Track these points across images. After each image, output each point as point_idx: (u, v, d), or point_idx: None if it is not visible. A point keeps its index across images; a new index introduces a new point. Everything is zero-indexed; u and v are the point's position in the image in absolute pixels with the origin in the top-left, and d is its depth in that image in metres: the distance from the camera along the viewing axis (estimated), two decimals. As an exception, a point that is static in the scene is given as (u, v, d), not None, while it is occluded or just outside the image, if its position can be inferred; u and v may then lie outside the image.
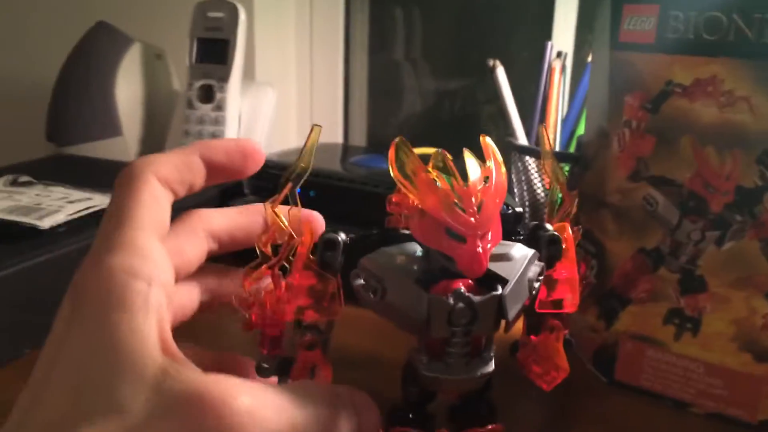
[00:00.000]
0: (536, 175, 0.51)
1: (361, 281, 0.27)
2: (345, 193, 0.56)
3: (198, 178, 0.27)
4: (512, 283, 0.26)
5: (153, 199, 0.25)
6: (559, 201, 0.31)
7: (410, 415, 0.29)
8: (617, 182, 0.39)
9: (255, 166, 0.28)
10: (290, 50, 1.14)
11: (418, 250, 0.27)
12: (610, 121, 0.39)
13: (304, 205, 0.28)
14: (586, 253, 0.43)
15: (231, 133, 0.76)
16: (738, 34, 0.34)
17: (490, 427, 0.27)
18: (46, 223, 0.45)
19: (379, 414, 0.26)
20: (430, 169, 0.25)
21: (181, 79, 0.84)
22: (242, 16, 0.75)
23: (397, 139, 0.25)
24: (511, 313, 0.26)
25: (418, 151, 0.26)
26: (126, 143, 0.80)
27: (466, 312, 0.25)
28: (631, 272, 0.39)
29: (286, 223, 0.27)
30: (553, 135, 0.57)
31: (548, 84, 0.58)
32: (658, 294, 0.39)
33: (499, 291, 0.25)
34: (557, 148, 0.57)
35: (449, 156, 0.25)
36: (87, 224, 0.48)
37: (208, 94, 0.75)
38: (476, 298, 0.25)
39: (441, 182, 0.24)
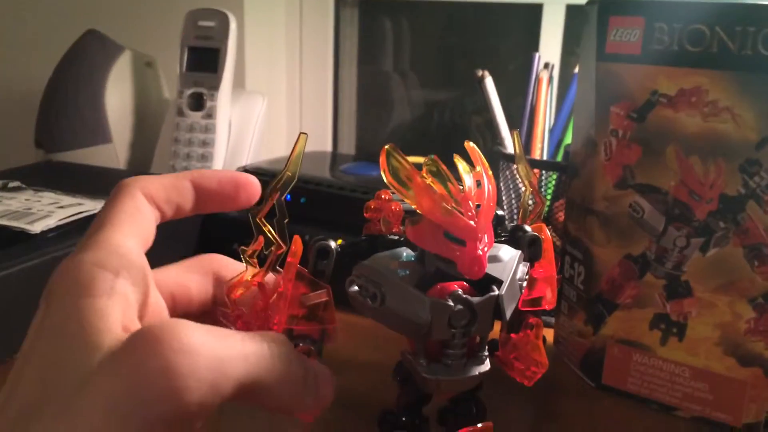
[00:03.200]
0: (524, 183, 0.52)
1: (356, 288, 0.27)
2: (334, 199, 0.56)
3: (186, 201, 0.28)
4: (506, 284, 0.26)
5: (135, 209, 0.26)
6: (532, 203, 0.32)
7: (403, 419, 0.29)
8: (604, 190, 0.40)
9: (248, 199, 0.29)
10: (280, 59, 1.15)
11: (410, 254, 0.28)
12: (597, 130, 0.40)
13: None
14: (573, 259, 0.43)
15: (221, 140, 0.76)
16: (721, 46, 0.35)
17: (480, 425, 0.28)
18: (36, 228, 0.45)
19: (333, 386, 0.26)
20: (424, 174, 0.25)
21: (171, 87, 0.84)
22: (233, 25, 0.76)
23: (387, 146, 0.25)
24: (508, 312, 0.26)
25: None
26: (115, 150, 0.80)
27: (465, 313, 0.25)
28: (618, 278, 0.40)
29: (274, 233, 0.27)
30: (540, 144, 0.58)
31: (536, 94, 0.59)
32: (644, 299, 0.39)
33: (496, 292, 0.26)
34: (545, 157, 0.58)
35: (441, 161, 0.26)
36: (78, 229, 0.48)
37: (198, 102, 0.75)
38: (475, 300, 0.25)
39: (437, 187, 0.25)
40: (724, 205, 0.36)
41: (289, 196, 0.27)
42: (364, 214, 0.33)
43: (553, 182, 0.53)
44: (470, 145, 0.28)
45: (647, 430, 0.39)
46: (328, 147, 1.22)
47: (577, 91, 0.43)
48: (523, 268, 0.28)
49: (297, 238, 0.27)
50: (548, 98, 0.59)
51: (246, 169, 0.57)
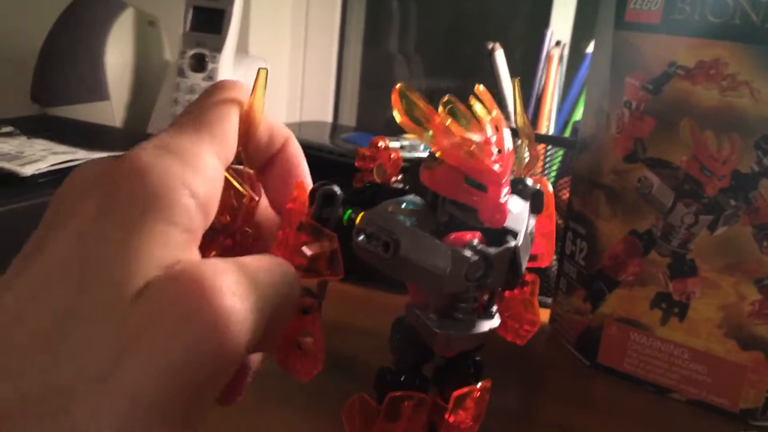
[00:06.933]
0: (529, 158, 0.51)
1: (365, 237, 0.24)
2: (334, 166, 0.55)
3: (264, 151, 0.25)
4: (522, 235, 0.25)
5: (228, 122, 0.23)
6: (527, 157, 0.30)
7: (402, 378, 0.28)
8: (613, 163, 0.39)
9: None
10: (285, 29, 1.13)
11: (417, 203, 0.26)
12: (610, 101, 0.39)
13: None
14: (575, 235, 0.42)
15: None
16: (744, 18, 0.34)
17: (479, 384, 0.27)
18: (27, 171, 0.44)
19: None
20: (442, 115, 0.23)
21: (173, 48, 0.83)
22: (240, -13, 0.74)
23: (398, 85, 0.23)
24: (523, 265, 0.25)
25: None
26: (112, 108, 0.79)
27: (481, 265, 0.24)
28: (621, 255, 0.39)
29: (243, 185, 0.24)
30: (547, 122, 0.57)
31: (545, 72, 0.58)
32: (647, 278, 0.38)
33: (512, 243, 0.24)
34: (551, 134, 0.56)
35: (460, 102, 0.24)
36: (69, 177, 0.47)
37: (200, 63, 0.74)
38: (491, 251, 0.24)
39: (457, 128, 0.23)
40: (736, 183, 0.35)
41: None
42: (356, 163, 0.31)
43: (559, 160, 0.52)
44: (482, 90, 0.26)
45: (641, 411, 0.38)
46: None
47: (591, 61, 0.42)
48: (532, 221, 0.27)
49: (300, 183, 0.25)
50: (558, 76, 0.58)
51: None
